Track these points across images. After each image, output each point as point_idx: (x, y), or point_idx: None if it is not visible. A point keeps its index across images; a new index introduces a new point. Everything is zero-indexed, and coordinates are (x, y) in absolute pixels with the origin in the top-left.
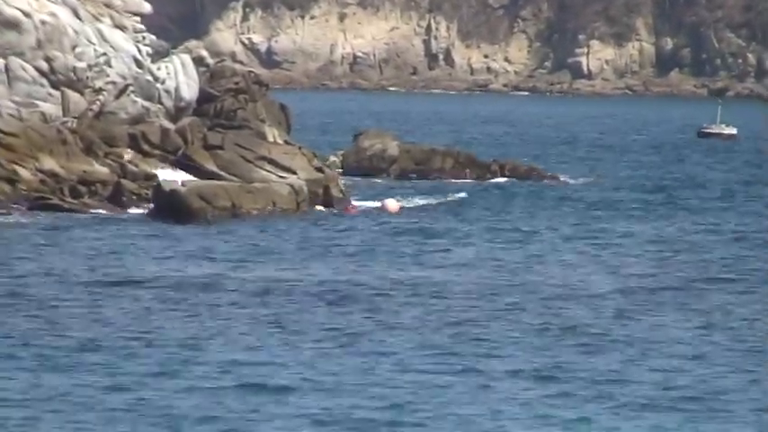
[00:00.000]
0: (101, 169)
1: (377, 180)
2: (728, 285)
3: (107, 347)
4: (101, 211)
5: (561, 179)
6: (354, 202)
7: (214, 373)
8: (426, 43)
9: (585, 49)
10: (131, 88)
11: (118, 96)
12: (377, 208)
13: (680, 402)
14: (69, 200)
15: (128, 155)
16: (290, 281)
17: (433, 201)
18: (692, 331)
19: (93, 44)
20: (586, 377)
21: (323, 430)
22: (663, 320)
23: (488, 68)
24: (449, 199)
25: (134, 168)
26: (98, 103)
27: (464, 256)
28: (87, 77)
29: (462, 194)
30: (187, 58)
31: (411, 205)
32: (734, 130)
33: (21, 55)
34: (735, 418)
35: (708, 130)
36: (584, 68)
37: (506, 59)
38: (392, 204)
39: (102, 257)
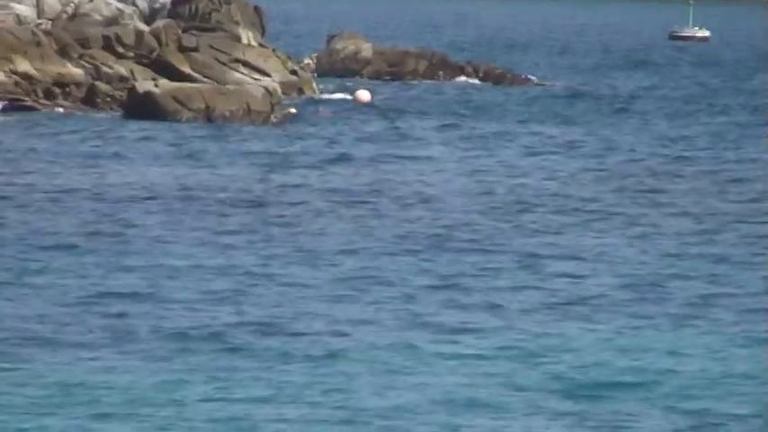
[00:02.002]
0: (75, 71)
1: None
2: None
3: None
4: (74, 111)
5: (534, 81)
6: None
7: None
8: None
9: None
10: None
11: None
12: (349, 100)
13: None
14: (43, 101)
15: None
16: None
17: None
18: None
19: None
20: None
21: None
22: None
23: None
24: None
25: (108, 70)
26: (72, 4)
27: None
28: None
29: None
30: None
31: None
32: (706, 33)
33: None
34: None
35: (680, 33)
36: None
37: None
38: (364, 95)
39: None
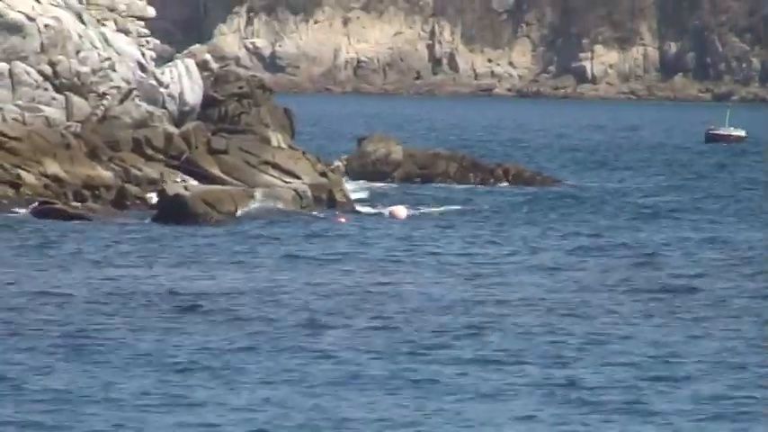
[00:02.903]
0: (105, 173)
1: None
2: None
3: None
4: (104, 215)
5: (567, 183)
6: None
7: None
8: (430, 48)
9: (589, 54)
10: (135, 93)
11: (122, 101)
12: (384, 214)
13: None
14: (73, 204)
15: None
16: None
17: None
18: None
19: (97, 48)
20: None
21: None
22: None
23: (492, 73)
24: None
25: (138, 173)
26: (102, 107)
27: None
28: (91, 82)
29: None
30: (191, 62)
31: (418, 213)
32: (742, 133)
33: (24, 59)
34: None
35: (716, 132)
36: (589, 73)
37: (510, 64)
38: (401, 212)
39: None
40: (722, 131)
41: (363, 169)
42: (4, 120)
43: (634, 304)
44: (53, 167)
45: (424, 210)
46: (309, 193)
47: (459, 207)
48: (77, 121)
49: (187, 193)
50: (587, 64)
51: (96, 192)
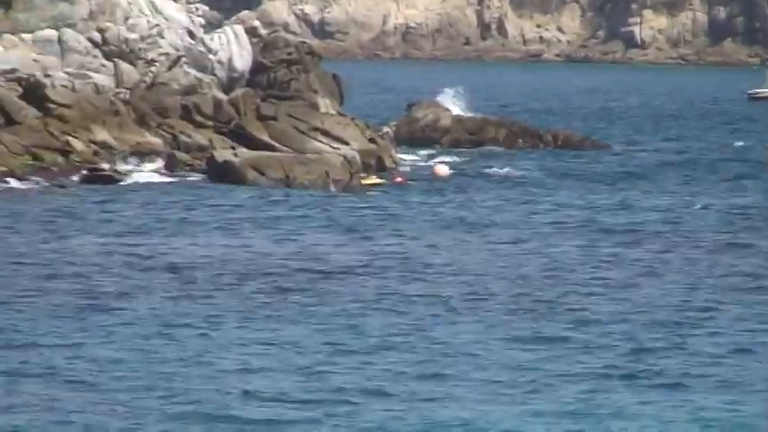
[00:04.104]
0: (153, 140)
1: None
2: None
3: None
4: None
5: (616, 148)
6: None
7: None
8: (479, 13)
9: (638, 19)
10: (184, 59)
11: (170, 67)
12: (427, 174)
13: None
14: (122, 169)
15: None
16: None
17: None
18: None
19: (146, 15)
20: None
21: None
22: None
23: (541, 38)
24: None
25: (187, 139)
26: (151, 74)
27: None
28: (140, 49)
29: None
30: (240, 28)
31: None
32: None
33: (73, 26)
34: None
35: (758, 95)
36: (637, 38)
37: (559, 29)
38: (442, 169)
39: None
40: (763, 93)
41: (412, 135)
42: (54, 87)
43: (624, 270)
44: (102, 134)
45: (465, 169)
46: (358, 159)
47: (504, 170)
48: (126, 88)
49: (236, 159)
50: (636, 29)
51: (145, 158)
